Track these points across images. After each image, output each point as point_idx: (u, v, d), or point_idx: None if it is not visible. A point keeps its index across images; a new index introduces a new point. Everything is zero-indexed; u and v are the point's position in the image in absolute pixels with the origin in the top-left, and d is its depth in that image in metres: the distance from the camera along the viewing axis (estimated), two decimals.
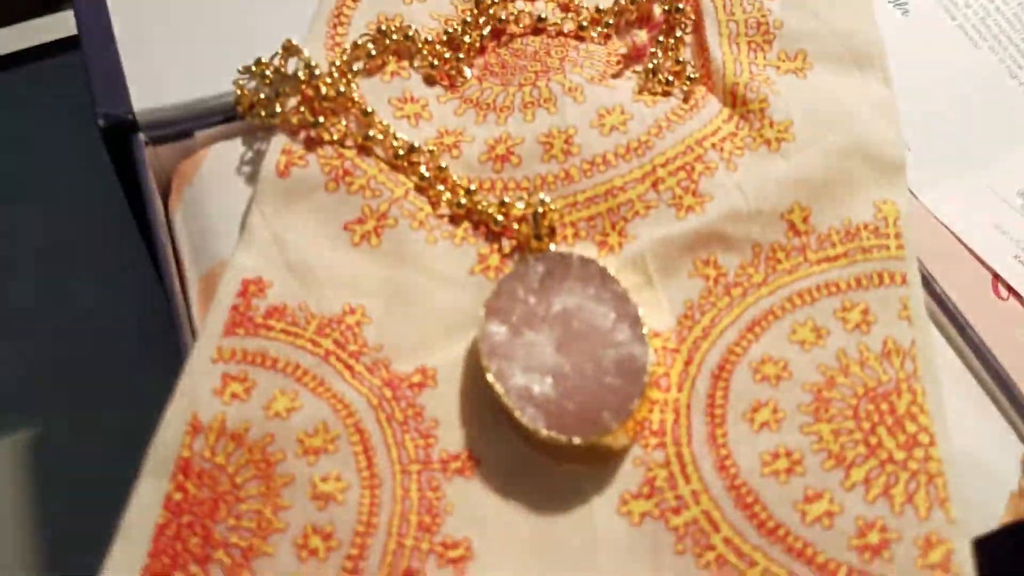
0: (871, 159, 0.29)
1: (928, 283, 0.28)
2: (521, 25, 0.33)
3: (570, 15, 0.34)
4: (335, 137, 0.30)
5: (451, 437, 0.25)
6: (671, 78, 0.31)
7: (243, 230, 0.28)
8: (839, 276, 0.27)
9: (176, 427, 0.24)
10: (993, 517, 0.23)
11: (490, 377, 0.25)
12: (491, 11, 0.33)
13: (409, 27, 0.32)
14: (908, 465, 0.23)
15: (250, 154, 0.31)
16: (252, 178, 0.30)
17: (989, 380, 0.27)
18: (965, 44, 0.36)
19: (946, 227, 0.31)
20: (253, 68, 0.31)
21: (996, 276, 0.30)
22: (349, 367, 0.26)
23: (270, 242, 0.28)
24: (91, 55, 0.32)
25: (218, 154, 0.31)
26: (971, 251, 0.31)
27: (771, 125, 0.30)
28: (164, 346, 0.28)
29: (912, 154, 0.32)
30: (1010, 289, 0.30)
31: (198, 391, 0.25)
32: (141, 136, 0.31)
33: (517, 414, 0.24)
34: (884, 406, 0.24)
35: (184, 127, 0.31)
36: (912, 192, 0.31)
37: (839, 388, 0.25)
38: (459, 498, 0.24)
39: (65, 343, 0.37)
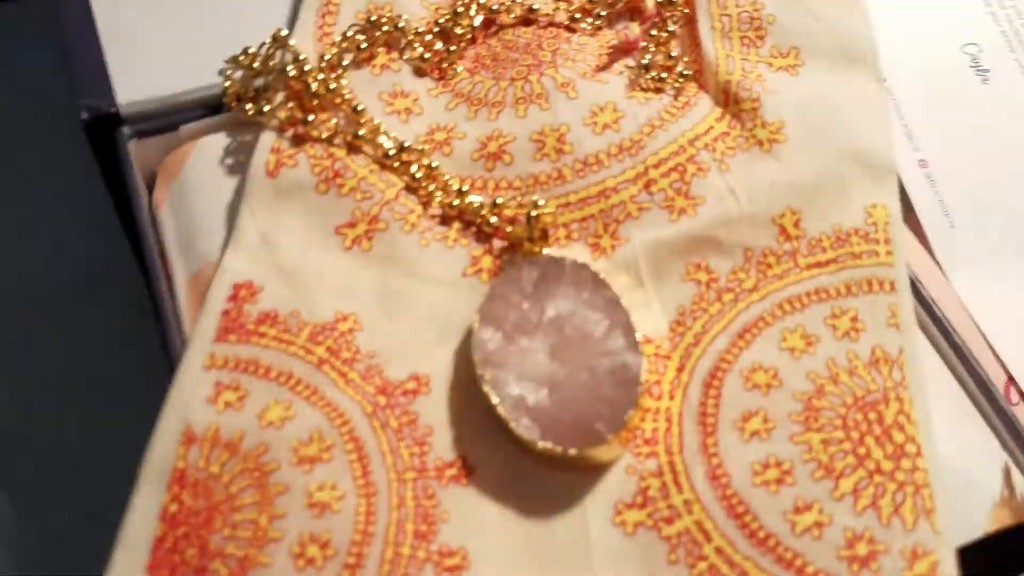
0: (862, 162, 0.29)
1: (916, 288, 0.29)
2: (512, 15, 0.33)
3: (561, 5, 0.33)
4: (324, 135, 0.29)
5: (446, 444, 0.25)
6: (663, 75, 0.31)
7: (233, 230, 0.28)
8: (829, 282, 0.27)
9: (169, 437, 0.24)
10: (977, 527, 0.24)
11: (485, 387, 0.25)
12: (483, 0, 0.33)
13: (400, 17, 0.32)
14: (896, 476, 0.24)
15: (236, 147, 0.30)
16: (238, 172, 0.30)
17: (974, 387, 0.27)
18: None
19: (971, 317, 0.29)
20: (240, 59, 0.31)
21: (1011, 379, 0.28)
22: (343, 375, 0.26)
23: (260, 245, 0.28)
24: (73, 45, 0.31)
25: (204, 148, 0.30)
26: (992, 347, 0.28)
27: (763, 125, 0.29)
28: (149, 346, 0.28)
29: (956, 229, 0.30)
30: (1022, 395, 0.28)
31: (191, 400, 0.25)
32: (125, 130, 0.30)
33: (512, 425, 0.24)
34: (872, 415, 0.25)
35: (169, 120, 0.31)
36: (942, 269, 0.29)
37: (828, 397, 0.25)
38: (455, 506, 0.24)
39: (48, 348, 0.36)
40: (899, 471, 0.24)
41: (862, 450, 0.24)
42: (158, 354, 0.27)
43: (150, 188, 0.31)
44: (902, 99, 0.39)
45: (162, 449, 0.24)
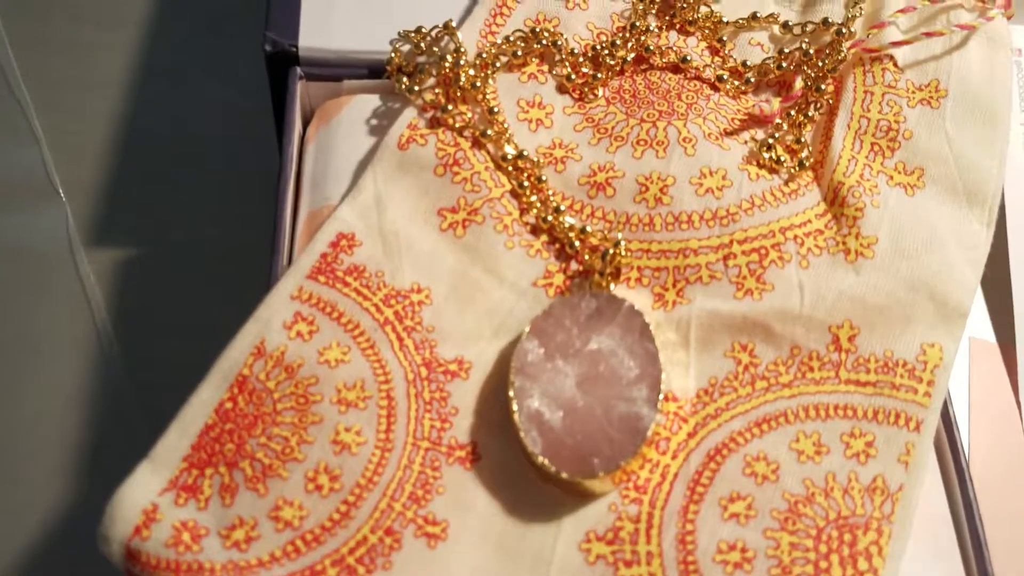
0: (937, 299, 0.29)
1: (951, 433, 0.29)
2: (664, 60, 0.34)
3: (715, 61, 0.35)
4: (457, 125, 0.32)
5: (464, 428, 0.28)
6: (783, 156, 0.32)
7: (355, 185, 0.32)
8: (860, 403, 0.28)
9: (244, 347, 0.28)
10: None
11: (511, 392, 0.28)
12: (642, 38, 0.35)
13: (560, 35, 0.34)
14: None
15: (384, 111, 0.34)
16: (378, 134, 0.33)
17: (968, 538, 0.28)
18: None
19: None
20: (411, 35, 0.34)
21: None
22: (400, 339, 0.29)
23: (372, 205, 0.31)
24: None
25: (357, 105, 0.34)
26: None
27: (857, 236, 0.30)
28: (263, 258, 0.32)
29: None
30: None
31: (271, 320, 0.29)
32: (298, 69, 0.34)
33: (522, 434, 0.27)
34: (847, 537, 0.26)
35: (337, 71, 0.35)
36: (1020, 405, 0.31)
37: (815, 507, 0.27)
38: (452, 484, 0.27)
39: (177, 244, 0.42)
40: None
41: (824, 564, 0.26)
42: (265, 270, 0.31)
43: (306, 124, 0.35)
44: None
45: (235, 354, 0.28)
